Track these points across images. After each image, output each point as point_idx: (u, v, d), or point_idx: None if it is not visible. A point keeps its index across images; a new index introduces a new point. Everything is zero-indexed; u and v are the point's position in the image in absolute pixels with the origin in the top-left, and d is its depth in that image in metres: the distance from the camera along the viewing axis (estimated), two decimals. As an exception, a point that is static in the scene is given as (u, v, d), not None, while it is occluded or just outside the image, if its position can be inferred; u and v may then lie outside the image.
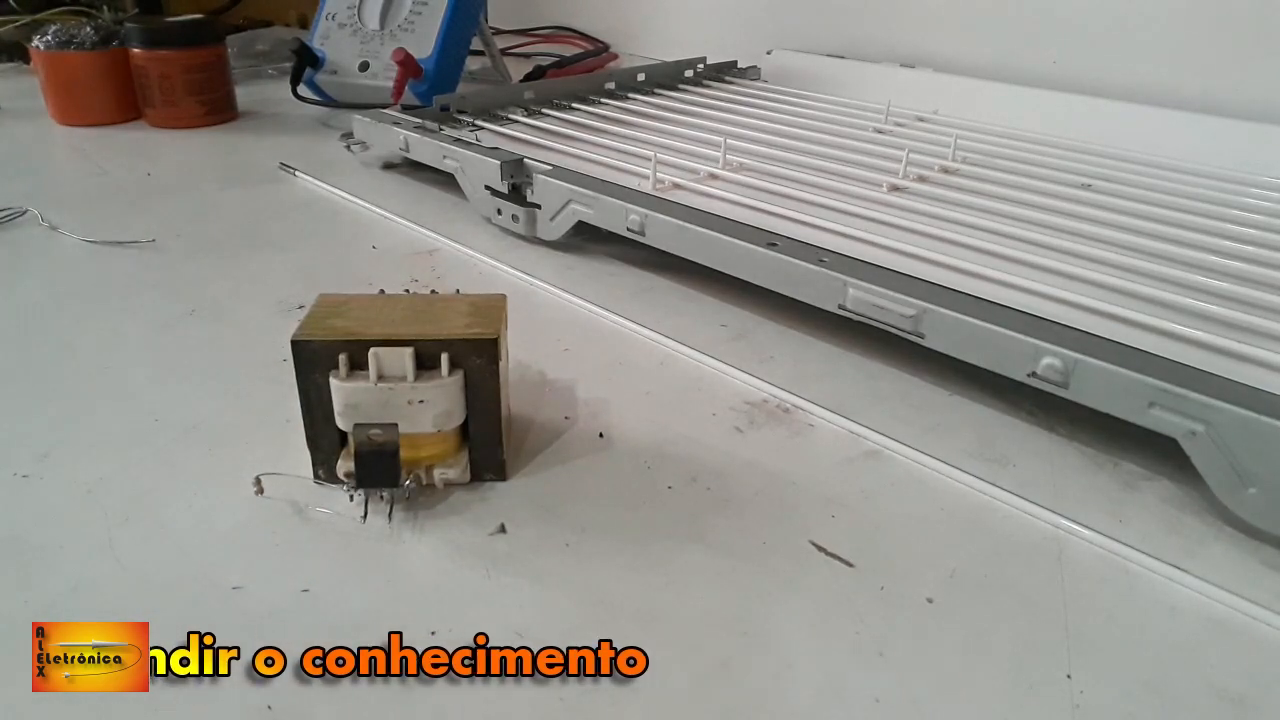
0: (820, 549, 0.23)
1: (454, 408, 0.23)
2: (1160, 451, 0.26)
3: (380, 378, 0.22)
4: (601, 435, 0.27)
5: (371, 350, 0.22)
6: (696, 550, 0.23)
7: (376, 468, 0.23)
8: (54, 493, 0.24)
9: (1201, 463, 0.23)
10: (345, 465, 0.24)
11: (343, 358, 0.22)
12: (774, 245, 0.33)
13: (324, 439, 0.24)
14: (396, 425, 0.23)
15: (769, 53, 0.71)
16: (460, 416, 0.24)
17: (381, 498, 0.24)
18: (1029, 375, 0.26)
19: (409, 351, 0.22)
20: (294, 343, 0.23)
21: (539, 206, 0.41)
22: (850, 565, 0.22)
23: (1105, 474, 0.26)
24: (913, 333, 0.29)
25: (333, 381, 0.23)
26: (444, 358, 0.23)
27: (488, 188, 0.42)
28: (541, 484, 0.25)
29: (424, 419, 0.23)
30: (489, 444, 0.25)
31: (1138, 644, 0.20)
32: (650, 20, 0.91)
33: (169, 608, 0.20)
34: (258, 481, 0.24)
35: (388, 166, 0.53)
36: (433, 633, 0.20)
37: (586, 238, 0.42)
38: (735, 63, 0.69)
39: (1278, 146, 0.46)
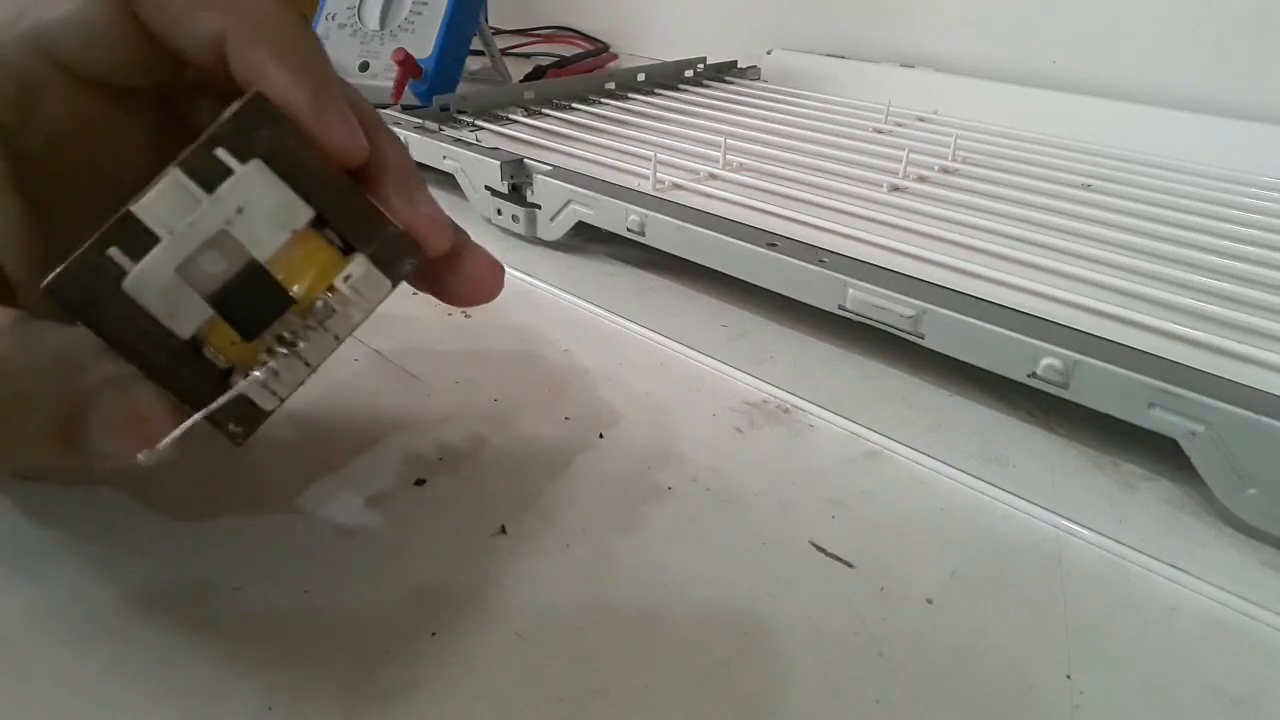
0: (820, 549, 0.23)
1: (283, 193, 0.17)
2: (1160, 451, 0.26)
3: (170, 228, 0.16)
4: (601, 436, 0.27)
5: (133, 208, 0.16)
6: (696, 551, 0.23)
7: (249, 297, 0.17)
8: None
9: (1201, 463, 0.23)
10: (238, 369, 0.17)
11: (114, 253, 0.16)
12: (774, 245, 0.33)
13: (182, 366, 0.17)
14: (226, 232, 0.16)
15: (769, 53, 0.71)
16: (303, 204, 0.17)
17: (284, 342, 0.17)
18: (1029, 376, 0.26)
19: (175, 174, 0.16)
20: (53, 289, 0.15)
21: (539, 207, 0.41)
22: (850, 565, 0.22)
23: (1105, 474, 0.26)
24: (913, 333, 0.29)
25: (131, 286, 0.16)
26: (220, 155, 0.16)
27: (488, 188, 0.42)
28: (541, 485, 0.25)
29: (263, 230, 0.17)
30: (364, 215, 0.18)
31: (1138, 644, 0.20)
32: (650, 20, 0.91)
33: (170, 609, 0.20)
34: None
35: (388, 166, 0.53)
36: (433, 634, 0.20)
37: (586, 238, 0.42)
38: (735, 63, 0.69)
39: (1278, 146, 0.46)
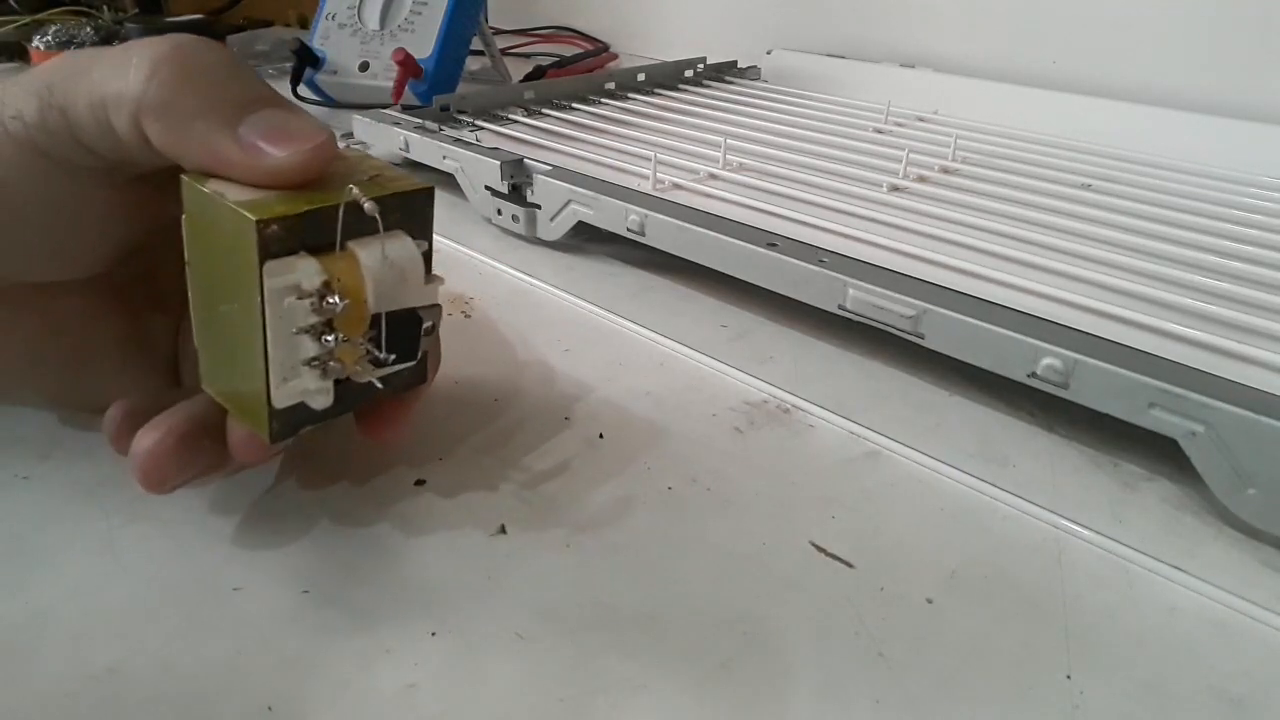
0: (820, 549, 0.23)
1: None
2: (1160, 451, 0.26)
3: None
4: (601, 436, 0.27)
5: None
6: (696, 551, 0.23)
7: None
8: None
9: (1201, 463, 0.23)
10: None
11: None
12: (774, 245, 0.33)
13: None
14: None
15: (769, 53, 0.71)
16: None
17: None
18: (1029, 376, 0.26)
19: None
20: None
21: (539, 206, 0.41)
22: (850, 565, 0.22)
23: (1105, 474, 0.26)
24: (913, 333, 0.29)
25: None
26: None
27: (488, 188, 0.42)
28: (541, 485, 0.25)
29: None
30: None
31: (1138, 644, 0.20)
32: (650, 20, 0.91)
33: (170, 609, 0.20)
34: None
35: (388, 166, 0.53)
36: (433, 634, 0.20)
37: (586, 238, 0.42)
38: (735, 63, 0.69)
39: (1278, 146, 0.46)
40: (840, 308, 0.31)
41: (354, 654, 0.19)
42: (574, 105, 0.55)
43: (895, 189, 0.41)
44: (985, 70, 0.65)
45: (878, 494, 0.25)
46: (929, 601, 0.21)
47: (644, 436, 0.27)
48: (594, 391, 0.30)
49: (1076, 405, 0.26)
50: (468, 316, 0.35)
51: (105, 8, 0.81)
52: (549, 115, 0.53)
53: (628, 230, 0.37)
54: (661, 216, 0.36)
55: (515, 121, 0.51)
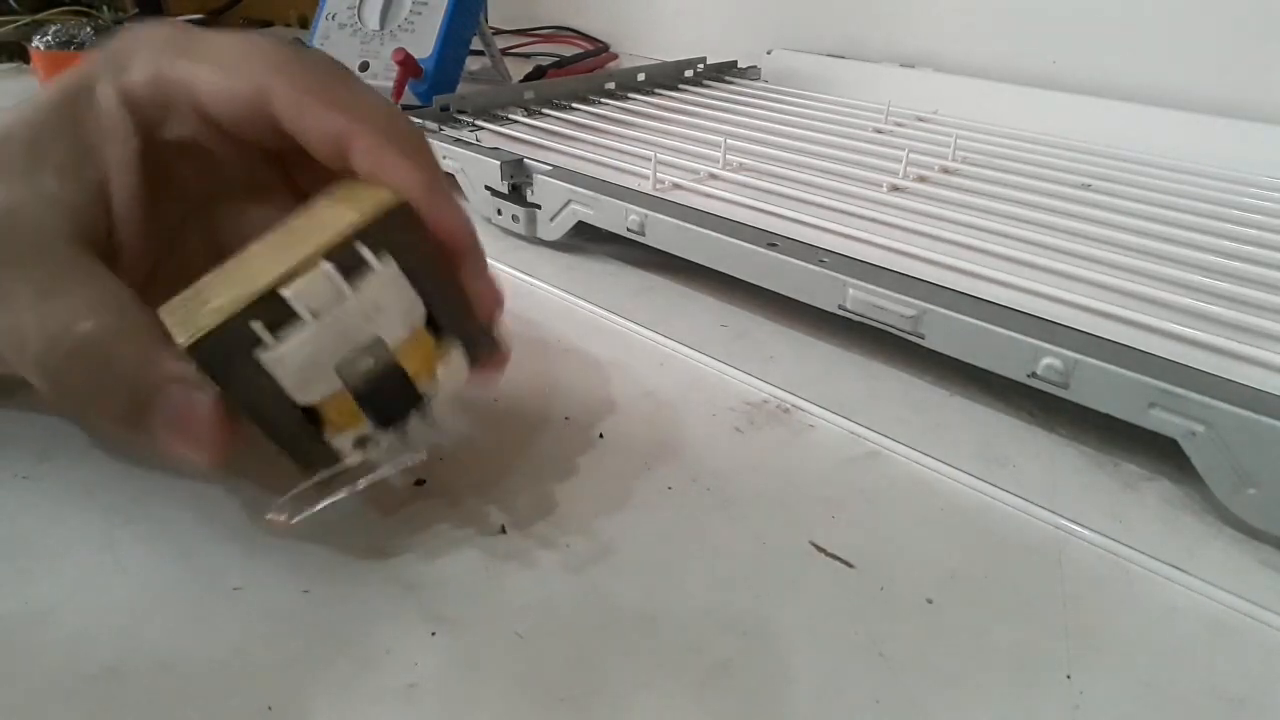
0: (820, 549, 0.23)
1: (409, 291, 0.19)
2: (1160, 451, 0.26)
3: (315, 314, 0.18)
4: (601, 436, 0.27)
5: (287, 290, 0.17)
6: (696, 551, 0.23)
7: (390, 396, 0.19)
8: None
9: (1201, 463, 0.23)
10: (345, 434, 0.19)
11: (257, 326, 0.17)
12: (774, 245, 0.33)
13: (293, 433, 0.19)
14: (380, 339, 0.19)
15: (769, 53, 0.71)
16: (420, 303, 0.20)
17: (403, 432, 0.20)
18: (1029, 376, 0.26)
19: (327, 268, 0.18)
20: (196, 346, 0.17)
21: (539, 207, 0.41)
22: (850, 566, 0.22)
23: (1105, 474, 0.26)
24: (913, 333, 0.29)
25: (266, 357, 0.18)
26: (361, 250, 0.18)
27: (488, 188, 0.42)
28: (542, 485, 0.25)
29: (394, 323, 0.19)
30: (458, 306, 0.21)
31: (1138, 644, 0.20)
32: (650, 20, 0.91)
33: (170, 609, 0.20)
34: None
35: (388, 166, 0.53)
36: (433, 634, 0.20)
37: (586, 238, 0.42)
38: (735, 63, 0.69)
39: (1278, 146, 0.46)
40: (840, 308, 0.31)
41: (354, 654, 0.19)
42: (574, 105, 0.55)
43: (895, 189, 0.41)
44: (985, 70, 0.65)
45: (878, 494, 0.25)
46: (929, 601, 0.21)
47: (644, 436, 0.27)
48: (594, 391, 0.30)
49: (1076, 405, 0.26)
50: (468, 316, 0.35)
51: (105, 7, 0.81)
52: (549, 115, 0.53)
53: (628, 230, 0.37)
54: (661, 216, 0.36)
55: (515, 121, 0.51)
